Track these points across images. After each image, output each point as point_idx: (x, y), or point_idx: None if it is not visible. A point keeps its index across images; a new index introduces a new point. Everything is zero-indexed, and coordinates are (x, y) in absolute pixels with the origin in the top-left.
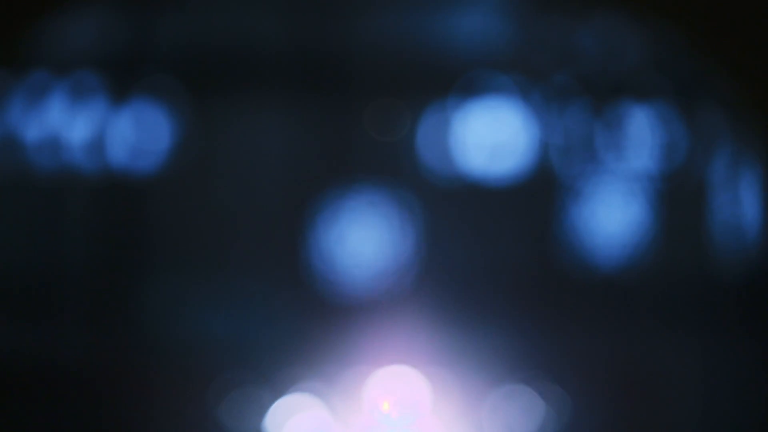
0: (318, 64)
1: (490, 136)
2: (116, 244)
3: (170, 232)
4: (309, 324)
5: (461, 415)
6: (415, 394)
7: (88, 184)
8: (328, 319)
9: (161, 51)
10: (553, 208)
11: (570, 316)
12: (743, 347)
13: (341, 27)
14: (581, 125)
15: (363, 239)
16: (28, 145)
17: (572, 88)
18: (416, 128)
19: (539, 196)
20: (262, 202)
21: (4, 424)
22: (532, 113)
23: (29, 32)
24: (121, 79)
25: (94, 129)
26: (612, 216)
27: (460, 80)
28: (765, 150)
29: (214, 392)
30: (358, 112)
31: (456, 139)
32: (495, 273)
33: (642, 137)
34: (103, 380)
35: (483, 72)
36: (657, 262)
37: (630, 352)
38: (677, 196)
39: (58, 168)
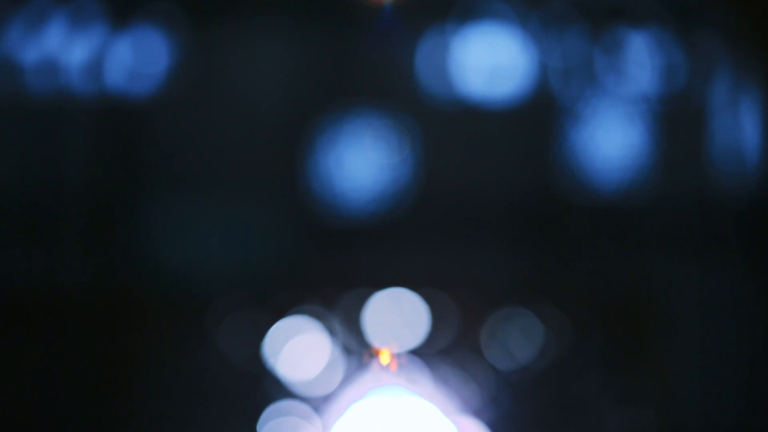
0: None
1: (489, 60)
2: (114, 167)
3: (168, 155)
4: (307, 247)
5: (460, 339)
6: (414, 317)
7: (86, 107)
8: (327, 241)
9: None
10: (553, 131)
11: (569, 239)
12: (743, 271)
13: None
14: (580, 49)
15: (361, 162)
16: (26, 68)
17: (571, 12)
18: (415, 52)
19: (538, 119)
20: (260, 126)
21: (3, 349)
22: (531, 37)
23: None
24: (121, 3)
25: (93, 53)
26: (611, 140)
27: (459, 3)
28: (765, 73)
29: (212, 315)
30: (357, 35)
31: (455, 62)
32: (494, 196)
33: (641, 61)
34: (101, 304)
35: None
36: (656, 187)
37: (629, 275)
38: (677, 121)
39: (56, 91)
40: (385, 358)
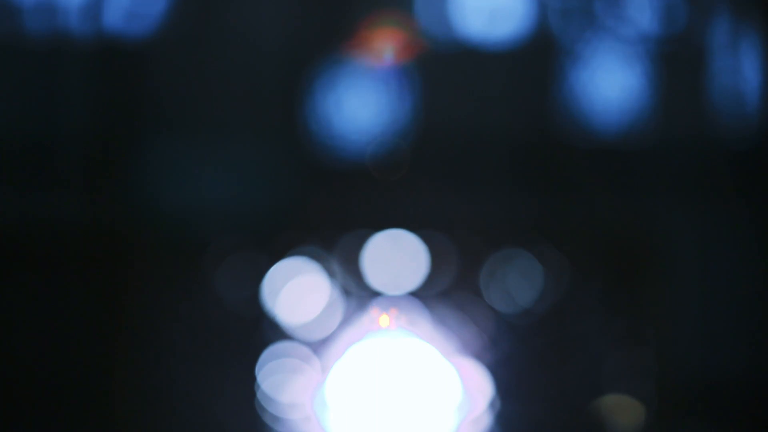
0: None
1: (488, 1)
2: (112, 108)
3: (167, 97)
4: (306, 188)
5: (459, 280)
6: (413, 259)
7: (84, 48)
8: (326, 183)
9: None
10: (552, 73)
11: (568, 181)
12: (742, 212)
13: None
14: None
15: (361, 104)
16: (24, 9)
17: None
18: None
19: (538, 61)
20: (259, 68)
21: (3, 290)
22: None
23: None
24: None
25: None
26: (611, 81)
27: None
28: (765, 15)
29: (211, 257)
30: None
31: (454, 3)
32: (493, 138)
33: (641, 2)
34: (100, 246)
35: None
36: (656, 129)
37: (628, 217)
38: (676, 62)
39: (54, 33)
40: (384, 321)
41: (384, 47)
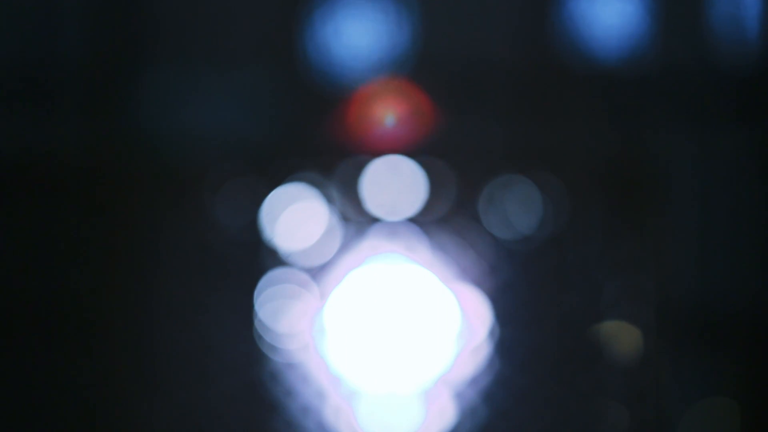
0: None
1: None
2: (111, 36)
3: (166, 24)
4: (305, 114)
5: (458, 207)
6: (412, 185)
7: None
8: (325, 109)
9: None
10: None
11: (568, 108)
12: (743, 140)
13: None
14: None
15: (359, 30)
16: None
17: None
18: None
19: None
20: None
21: (2, 218)
22: None
23: None
24: None
25: None
26: (611, 6)
27: None
28: None
29: (210, 184)
30: None
31: None
32: (493, 64)
33: None
34: (99, 174)
35: None
36: (656, 54)
37: (628, 144)
38: None
39: None
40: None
41: None
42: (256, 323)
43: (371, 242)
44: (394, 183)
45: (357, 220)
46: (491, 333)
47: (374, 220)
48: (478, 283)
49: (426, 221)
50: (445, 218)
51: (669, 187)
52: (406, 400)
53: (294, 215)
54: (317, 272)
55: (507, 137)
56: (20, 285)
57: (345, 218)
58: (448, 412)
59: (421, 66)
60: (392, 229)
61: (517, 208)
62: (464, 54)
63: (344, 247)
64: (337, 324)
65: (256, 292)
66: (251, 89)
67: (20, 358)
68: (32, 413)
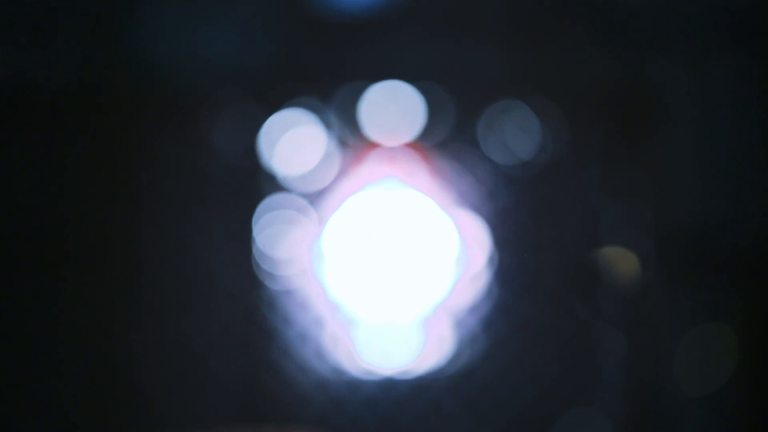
0: None
1: None
2: None
3: None
4: (304, 40)
5: (457, 132)
6: (411, 110)
7: None
8: (323, 34)
9: None
10: None
11: (567, 33)
12: (740, 66)
13: None
14: None
15: None
16: None
17: None
18: None
19: None
20: None
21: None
22: None
23: None
24: None
25: None
26: None
27: None
28: None
29: (209, 110)
30: None
31: None
32: None
33: None
34: (97, 101)
35: None
36: None
37: (627, 70)
38: None
39: None
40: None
41: None
42: (254, 249)
43: (369, 168)
44: (393, 108)
45: (355, 145)
46: (490, 259)
47: (372, 145)
48: (477, 209)
49: (425, 146)
50: (443, 143)
51: (668, 114)
52: (405, 327)
53: (292, 141)
54: (315, 198)
55: (506, 63)
56: (19, 211)
57: (343, 143)
58: (447, 339)
59: None
60: (391, 154)
61: (516, 134)
62: None
63: (342, 172)
64: (336, 250)
65: (254, 218)
66: (250, 15)
67: (18, 286)
68: (30, 341)
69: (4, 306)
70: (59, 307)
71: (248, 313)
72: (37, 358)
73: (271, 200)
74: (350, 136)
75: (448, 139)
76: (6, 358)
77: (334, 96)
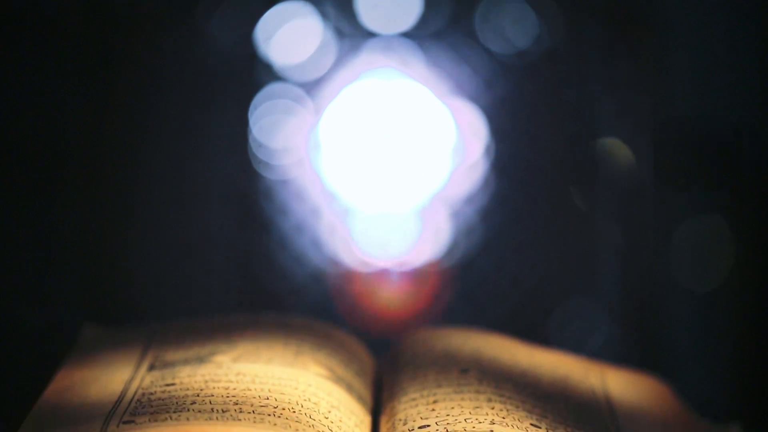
0: None
1: None
2: None
3: None
4: None
5: (453, 21)
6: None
7: None
8: None
9: None
10: None
11: None
12: None
13: None
14: None
15: None
16: None
17: None
18: None
19: None
20: None
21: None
22: None
23: None
24: None
25: None
26: None
27: None
28: None
29: (206, 0)
30: None
31: None
32: None
33: None
34: (96, 8)
35: None
36: None
37: None
38: None
39: None
40: None
41: None
42: (250, 139)
43: (366, 57)
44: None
45: (352, 34)
46: (487, 149)
47: (369, 34)
48: (474, 99)
49: (421, 36)
50: (440, 33)
51: (666, 8)
52: (402, 218)
53: (289, 30)
54: (312, 87)
55: None
56: (21, 102)
57: (340, 33)
58: (444, 230)
59: None
60: (387, 43)
61: (513, 23)
62: None
63: (339, 61)
64: (332, 140)
65: (250, 108)
66: None
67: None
68: (35, 228)
69: (12, 197)
70: (61, 196)
71: (244, 203)
72: (40, 245)
73: (268, 90)
74: (347, 25)
75: (444, 28)
76: (10, 245)
77: None
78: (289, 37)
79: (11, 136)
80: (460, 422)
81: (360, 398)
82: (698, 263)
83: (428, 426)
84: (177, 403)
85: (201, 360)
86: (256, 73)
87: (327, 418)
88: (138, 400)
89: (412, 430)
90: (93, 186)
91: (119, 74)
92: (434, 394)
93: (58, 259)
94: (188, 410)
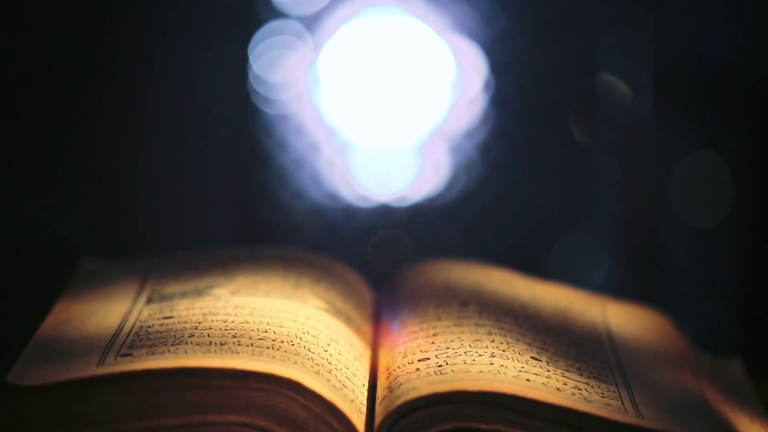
0: None
1: None
2: None
3: None
4: None
5: None
6: None
7: None
8: None
9: None
10: None
11: None
12: None
13: None
14: None
15: None
16: None
17: None
18: None
19: None
20: None
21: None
22: None
23: None
24: None
25: None
26: None
27: None
28: None
29: None
30: None
31: None
32: None
33: None
34: None
35: None
36: None
37: None
38: None
39: None
40: None
41: None
42: (250, 74)
43: None
44: None
45: None
46: (486, 84)
47: None
48: (473, 34)
49: None
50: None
51: None
52: (401, 152)
53: None
54: (312, 23)
55: None
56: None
57: None
58: (443, 165)
59: None
60: None
61: None
62: None
63: None
64: (332, 75)
65: (250, 43)
66: None
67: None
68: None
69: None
70: (63, 129)
71: (243, 138)
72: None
73: (268, 26)
74: None
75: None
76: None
77: None
78: None
79: (15, 67)
80: (460, 355)
81: (359, 331)
82: (698, 198)
83: (428, 359)
84: (175, 336)
85: (199, 293)
86: (256, 8)
87: (326, 351)
88: (136, 333)
89: (412, 363)
90: (94, 120)
91: (121, 14)
92: (434, 327)
93: (57, 194)
94: (186, 343)
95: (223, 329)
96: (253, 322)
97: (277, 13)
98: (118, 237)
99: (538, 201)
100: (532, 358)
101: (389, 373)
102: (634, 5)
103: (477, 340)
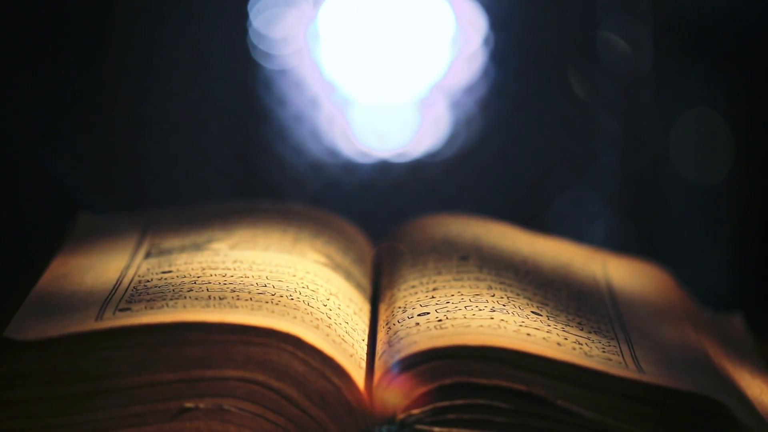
0: None
1: None
2: None
3: None
4: None
5: None
6: None
7: None
8: None
9: None
10: None
11: None
12: None
13: None
14: None
15: None
16: None
17: None
18: None
19: None
20: None
21: None
22: None
23: None
24: None
25: None
26: None
27: None
28: None
29: None
30: None
31: None
32: None
33: None
34: None
35: None
36: None
37: None
38: None
39: None
40: None
41: None
42: (250, 29)
43: None
44: None
45: None
46: (486, 40)
47: None
48: None
49: None
50: None
51: None
52: (401, 108)
53: None
54: None
55: None
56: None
57: None
58: (443, 121)
59: None
60: None
61: None
62: None
63: None
64: (331, 30)
65: (249, 8)
66: None
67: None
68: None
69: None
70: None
71: (244, 93)
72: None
73: None
74: None
75: None
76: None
77: None
78: None
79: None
80: (460, 309)
81: (359, 286)
82: (698, 154)
83: (428, 313)
84: (174, 290)
85: (198, 247)
86: None
87: (325, 305)
88: (134, 287)
89: (412, 317)
90: (96, 74)
91: None
92: (434, 282)
93: (58, 146)
94: (185, 297)
95: (221, 284)
96: (252, 277)
97: None
98: (118, 190)
99: (537, 156)
100: (532, 312)
101: (389, 328)
102: None
103: (477, 295)
